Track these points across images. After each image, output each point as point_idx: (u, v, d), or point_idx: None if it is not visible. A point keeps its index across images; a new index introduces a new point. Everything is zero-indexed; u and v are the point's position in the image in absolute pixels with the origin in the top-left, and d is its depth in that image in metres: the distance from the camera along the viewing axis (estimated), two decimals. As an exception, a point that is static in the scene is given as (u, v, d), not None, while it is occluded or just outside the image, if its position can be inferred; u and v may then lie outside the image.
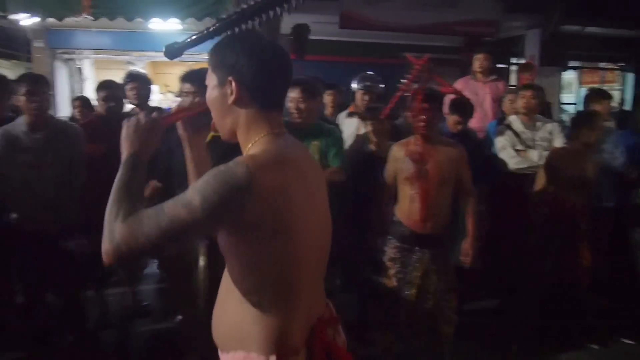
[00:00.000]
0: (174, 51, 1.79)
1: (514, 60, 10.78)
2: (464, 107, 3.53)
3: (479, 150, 3.62)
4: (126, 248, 1.03)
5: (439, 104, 2.77)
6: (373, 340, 2.96)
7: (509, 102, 4.18)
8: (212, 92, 1.20)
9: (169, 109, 4.99)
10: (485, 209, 3.55)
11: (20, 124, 2.80)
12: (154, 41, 10.25)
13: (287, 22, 8.05)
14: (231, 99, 1.15)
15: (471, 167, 2.86)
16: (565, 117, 8.65)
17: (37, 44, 10.05)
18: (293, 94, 2.74)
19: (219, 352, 1.25)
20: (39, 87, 2.77)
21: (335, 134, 3.02)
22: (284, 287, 1.14)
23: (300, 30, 7.94)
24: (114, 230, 1.04)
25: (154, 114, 1.24)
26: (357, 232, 3.68)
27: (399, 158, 2.76)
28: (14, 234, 2.85)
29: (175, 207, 1.03)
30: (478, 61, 4.67)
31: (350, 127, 3.87)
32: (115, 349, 3.26)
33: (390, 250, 2.81)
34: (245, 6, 1.17)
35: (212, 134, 2.56)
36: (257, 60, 1.14)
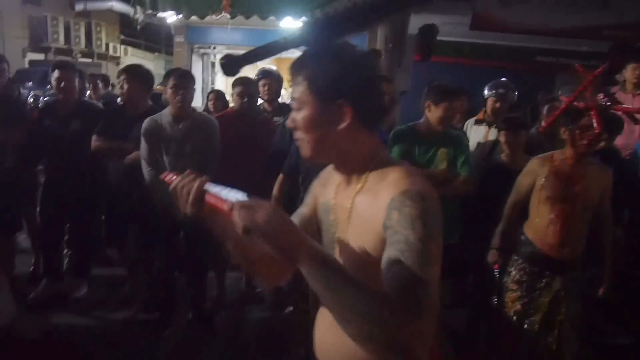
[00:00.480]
0: (232, 65, 1.69)
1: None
2: (614, 123, 3.16)
3: (622, 171, 3.24)
4: (429, 314, 0.90)
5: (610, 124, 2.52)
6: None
7: None
8: (311, 116, 1.06)
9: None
10: (624, 235, 3.20)
11: (165, 114, 3.04)
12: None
13: (415, 22, 7.90)
14: (343, 125, 1.04)
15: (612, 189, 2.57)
16: None
17: (178, 39, 10.96)
18: None
19: None
20: (185, 81, 2.98)
21: (462, 141, 2.91)
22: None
23: (428, 31, 7.74)
24: (412, 331, 0.87)
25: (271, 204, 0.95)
26: (477, 246, 3.51)
27: (540, 174, 2.52)
28: (155, 218, 3.11)
29: (427, 269, 0.93)
30: (635, 71, 4.17)
31: (477, 135, 3.70)
32: (226, 331, 3.41)
33: (516, 272, 2.61)
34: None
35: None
36: (366, 77, 1.03)
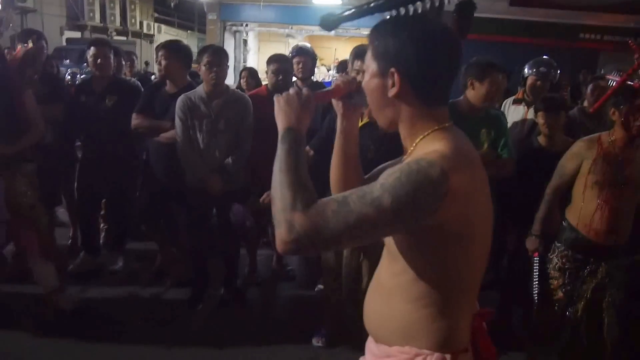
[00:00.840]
0: (330, 23, 1.73)
1: None
2: None
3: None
4: (307, 241, 0.98)
5: None
6: (519, 346, 2.77)
7: None
8: (371, 80, 1.11)
9: (328, 83, 5.14)
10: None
11: (199, 92, 3.04)
12: (313, 15, 10.60)
13: (452, -1, 7.67)
14: (392, 92, 1.06)
15: None
16: None
17: (211, 16, 10.99)
18: None
19: (373, 343, 1.24)
20: (219, 59, 2.97)
21: (503, 122, 2.81)
22: (460, 288, 1.10)
23: (466, 8, 7.49)
24: (292, 220, 0.98)
25: (305, 90, 1.18)
26: (516, 230, 3.43)
27: (587, 157, 2.41)
28: (187, 194, 3.15)
29: (362, 205, 0.96)
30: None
31: (515, 115, 3.57)
32: (257, 308, 3.45)
33: (558, 259, 2.53)
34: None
35: (366, 120, 2.53)
36: (424, 51, 1.03)
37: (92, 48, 3.46)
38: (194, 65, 3.52)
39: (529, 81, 3.57)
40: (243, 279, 3.64)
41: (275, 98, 1.18)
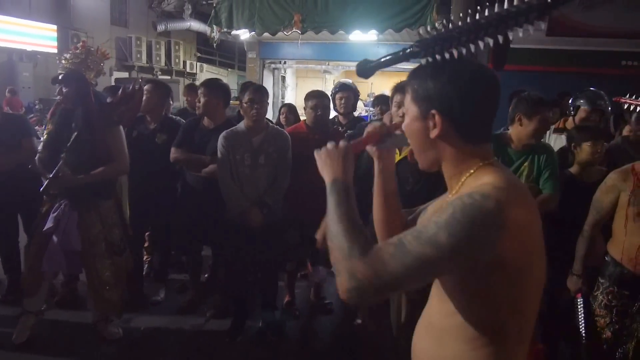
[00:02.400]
0: (366, 71, 1.78)
1: None
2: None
3: None
4: (369, 286, 0.98)
5: None
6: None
7: None
8: (412, 123, 1.13)
9: (367, 117, 5.17)
10: None
11: (241, 127, 3.17)
12: (349, 51, 10.84)
13: (487, 31, 7.69)
14: (434, 133, 1.08)
15: None
16: None
17: (251, 55, 11.36)
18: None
19: None
20: (260, 96, 3.11)
21: (550, 155, 2.70)
22: (518, 325, 1.06)
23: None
24: (352, 268, 0.99)
25: (342, 142, 1.22)
26: (554, 265, 3.31)
27: (624, 189, 2.34)
28: (228, 226, 3.23)
29: (419, 245, 0.96)
30: None
31: (559, 144, 3.50)
32: (296, 340, 3.45)
33: (604, 296, 2.42)
34: (454, 26, 1.03)
35: (403, 154, 2.56)
36: (464, 92, 1.05)
37: (147, 86, 3.67)
38: (235, 102, 3.66)
39: (582, 114, 3.46)
40: (281, 311, 3.66)
41: (315, 154, 1.23)
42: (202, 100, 3.41)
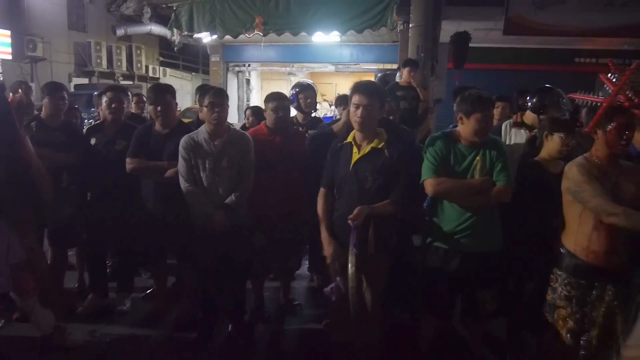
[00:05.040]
0: None
1: None
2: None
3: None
4: None
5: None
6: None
7: None
8: None
9: (328, 118, 5.22)
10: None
11: (202, 132, 3.14)
12: (313, 53, 10.90)
13: (447, 31, 7.87)
14: None
15: None
16: None
17: (214, 58, 11.28)
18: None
19: None
20: (221, 100, 3.08)
21: (500, 148, 2.74)
22: None
23: (461, 39, 7.69)
24: None
25: None
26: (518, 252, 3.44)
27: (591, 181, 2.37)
28: (191, 229, 3.20)
29: None
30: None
31: (519, 138, 3.59)
32: (265, 344, 3.43)
33: (562, 287, 2.49)
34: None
35: (362, 153, 2.61)
36: None
37: (108, 93, 3.60)
38: (196, 107, 3.63)
39: (549, 112, 3.45)
40: (250, 314, 3.64)
41: None
42: (152, 106, 3.35)
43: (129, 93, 4.22)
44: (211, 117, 3.05)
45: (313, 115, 4.27)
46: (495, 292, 2.82)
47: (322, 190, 2.89)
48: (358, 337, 2.84)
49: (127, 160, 3.35)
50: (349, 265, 2.56)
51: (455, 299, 2.90)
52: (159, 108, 3.32)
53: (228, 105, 3.15)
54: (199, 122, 3.59)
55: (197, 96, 3.19)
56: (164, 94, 3.37)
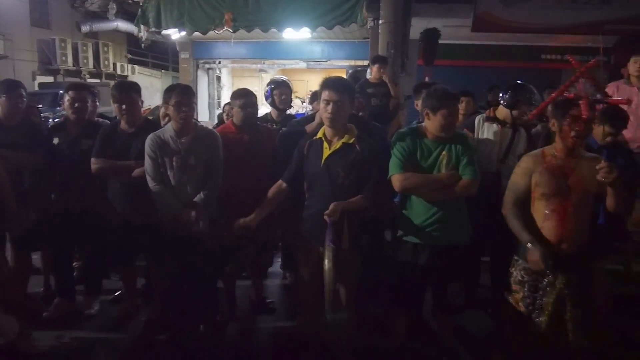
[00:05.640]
0: None
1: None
2: (617, 116, 3.12)
3: (631, 165, 3.19)
4: None
5: (594, 115, 2.46)
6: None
7: None
8: None
9: (300, 114, 5.18)
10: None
11: (168, 130, 3.08)
12: (284, 49, 10.84)
13: (417, 28, 7.93)
14: None
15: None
16: None
17: (184, 55, 11.11)
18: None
19: None
20: (187, 98, 3.02)
21: (466, 142, 2.79)
22: None
23: (430, 35, 7.76)
24: None
25: None
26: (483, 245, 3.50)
27: (535, 171, 2.48)
28: (160, 229, 3.14)
29: None
30: (635, 64, 4.15)
31: (490, 133, 3.64)
32: (238, 343, 3.40)
33: (518, 272, 2.57)
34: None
35: (332, 149, 2.62)
36: None
37: (70, 92, 3.48)
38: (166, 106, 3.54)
39: (521, 107, 3.53)
40: (222, 313, 3.60)
41: None
42: (117, 105, 3.26)
43: (95, 91, 4.12)
44: (178, 115, 2.99)
45: (287, 112, 4.23)
46: (463, 285, 2.86)
47: (279, 182, 2.89)
48: (331, 333, 2.85)
49: (92, 160, 3.26)
50: (326, 260, 2.55)
51: (425, 293, 2.93)
52: (123, 106, 3.24)
53: (195, 103, 3.10)
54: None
55: (164, 94, 3.10)
56: (128, 91, 3.29)
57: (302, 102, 11.92)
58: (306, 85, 13.02)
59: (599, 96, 2.69)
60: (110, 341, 3.33)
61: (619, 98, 3.75)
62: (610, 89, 4.32)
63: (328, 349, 2.96)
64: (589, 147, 2.83)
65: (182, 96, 3.00)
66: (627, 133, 4.08)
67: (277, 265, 4.36)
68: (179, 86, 3.19)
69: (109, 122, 4.19)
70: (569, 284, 2.46)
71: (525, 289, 2.54)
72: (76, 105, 3.46)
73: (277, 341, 3.40)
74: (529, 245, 2.39)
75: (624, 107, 3.29)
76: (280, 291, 4.21)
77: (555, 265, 2.44)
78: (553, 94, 2.94)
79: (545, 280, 2.49)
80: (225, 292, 3.69)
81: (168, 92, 3.06)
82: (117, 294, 3.93)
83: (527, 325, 2.54)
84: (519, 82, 3.69)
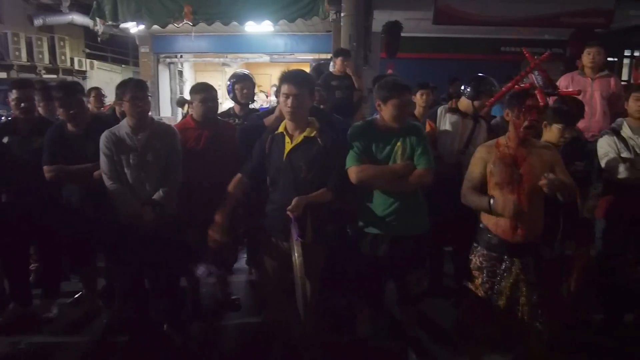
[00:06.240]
0: None
1: (627, 53, 9.83)
2: (569, 113, 3.18)
3: (586, 156, 3.30)
4: None
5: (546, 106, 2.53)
6: (464, 349, 2.86)
7: (633, 101, 3.59)
8: None
9: (264, 108, 5.09)
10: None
11: (124, 126, 2.99)
12: (247, 43, 10.71)
13: (379, 21, 7.96)
14: None
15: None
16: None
17: (144, 49, 10.84)
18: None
19: None
20: (142, 92, 2.94)
21: (420, 133, 2.81)
22: None
23: (392, 28, 7.80)
24: None
25: None
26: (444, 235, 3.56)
27: (489, 160, 2.55)
28: (119, 229, 3.04)
29: None
30: (589, 55, 4.26)
31: (451, 123, 3.69)
32: (204, 341, 3.36)
33: (477, 258, 2.66)
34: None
35: (294, 143, 2.60)
36: None
37: (14, 91, 3.32)
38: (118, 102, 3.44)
39: (482, 99, 3.54)
40: (186, 311, 3.53)
41: None
42: (63, 109, 3.14)
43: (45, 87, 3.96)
44: (134, 111, 2.91)
45: (251, 106, 4.17)
46: (426, 274, 2.91)
47: (238, 176, 2.85)
48: (297, 328, 2.84)
49: (45, 168, 3.13)
50: (295, 255, 2.53)
51: (387, 284, 2.95)
52: (72, 111, 3.13)
53: (150, 96, 3.02)
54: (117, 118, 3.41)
55: (117, 90, 3.01)
56: (75, 94, 3.17)
57: (267, 96, 11.82)
58: (270, 79, 12.89)
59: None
60: (71, 345, 3.24)
61: (571, 89, 3.88)
62: (565, 80, 4.45)
63: (294, 344, 2.95)
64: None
65: (136, 91, 2.91)
66: (581, 123, 4.22)
67: (242, 261, 4.32)
68: (132, 81, 3.09)
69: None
70: (524, 268, 2.54)
71: (484, 275, 2.61)
72: (22, 105, 3.31)
73: (243, 337, 3.37)
74: (492, 201, 2.44)
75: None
76: (246, 287, 4.18)
77: (512, 251, 2.54)
78: (506, 86, 3.01)
79: (503, 265, 2.57)
80: (190, 290, 3.63)
81: (121, 87, 2.97)
82: (77, 296, 3.82)
83: (486, 310, 2.61)
84: (480, 74, 3.75)
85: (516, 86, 2.87)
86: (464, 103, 3.66)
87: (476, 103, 3.57)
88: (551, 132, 2.92)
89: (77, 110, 3.15)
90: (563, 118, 2.91)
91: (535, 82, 2.42)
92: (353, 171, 2.69)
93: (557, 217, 2.86)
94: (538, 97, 2.39)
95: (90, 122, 3.23)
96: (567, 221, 2.94)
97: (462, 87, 3.72)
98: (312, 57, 10.52)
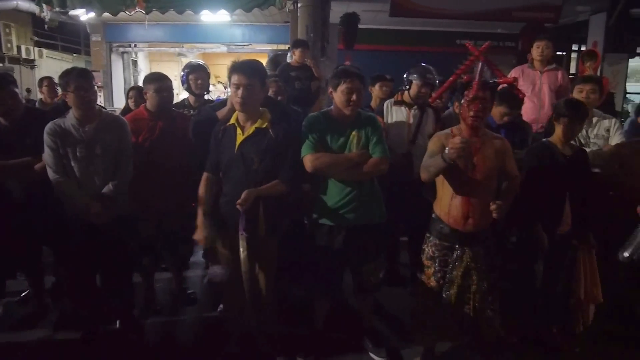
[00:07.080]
0: None
1: (575, 47, 10.21)
2: (512, 97, 3.32)
3: (526, 142, 3.42)
4: None
5: (492, 95, 2.58)
6: (416, 338, 2.92)
7: (577, 93, 3.65)
8: None
9: (219, 99, 4.97)
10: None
11: (70, 117, 2.87)
12: (204, 33, 10.50)
13: (337, 12, 7.96)
14: None
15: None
16: (630, 108, 8.10)
17: (95, 37, 10.47)
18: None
19: None
20: (86, 82, 2.82)
21: (375, 122, 2.81)
22: None
23: (350, 20, 7.82)
24: None
25: None
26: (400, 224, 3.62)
27: (445, 146, 2.51)
28: (67, 224, 2.95)
29: None
30: (538, 49, 4.42)
31: (399, 115, 3.75)
32: (158, 337, 3.30)
33: (429, 248, 2.71)
34: None
35: (246, 134, 2.57)
36: None
37: None
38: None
39: (414, 87, 3.68)
40: (139, 307, 3.47)
41: None
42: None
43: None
44: (80, 101, 2.79)
45: (206, 97, 4.09)
46: (379, 264, 2.94)
47: (205, 175, 2.81)
48: (254, 321, 2.84)
49: None
50: (241, 249, 2.52)
51: (343, 274, 2.97)
52: (9, 102, 2.99)
53: (95, 85, 2.91)
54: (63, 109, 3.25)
55: (59, 80, 2.87)
56: (7, 85, 3.02)
57: (225, 87, 11.65)
58: (227, 69, 12.71)
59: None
60: (18, 345, 3.11)
61: (507, 77, 4.07)
62: (515, 72, 4.60)
63: (251, 337, 2.94)
64: (488, 126, 2.99)
65: (80, 80, 2.79)
66: (530, 115, 4.37)
67: (199, 255, 4.26)
68: (76, 69, 2.93)
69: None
70: (475, 257, 2.60)
71: (436, 264, 2.67)
72: None
73: (199, 332, 3.33)
74: (445, 151, 2.37)
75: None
76: (203, 281, 4.12)
77: (462, 240, 2.59)
78: (449, 79, 3.09)
79: (455, 254, 2.62)
80: (144, 285, 3.55)
81: (64, 77, 2.81)
82: (23, 294, 3.68)
83: (437, 299, 2.67)
84: (421, 64, 3.84)
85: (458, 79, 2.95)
86: (407, 95, 3.74)
87: (411, 91, 3.68)
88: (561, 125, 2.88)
89: (13, 102, 3.01)
90: (505, 100, 3.24)
91: (482, 72, 2.47)
92: (308, 159, 2.68)
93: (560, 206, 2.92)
94: (473, 88, 2.44)
95: (23, 114, 3.09)
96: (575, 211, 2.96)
97: (404, 78, 3.80)
98: (270, 48, 10.43)
